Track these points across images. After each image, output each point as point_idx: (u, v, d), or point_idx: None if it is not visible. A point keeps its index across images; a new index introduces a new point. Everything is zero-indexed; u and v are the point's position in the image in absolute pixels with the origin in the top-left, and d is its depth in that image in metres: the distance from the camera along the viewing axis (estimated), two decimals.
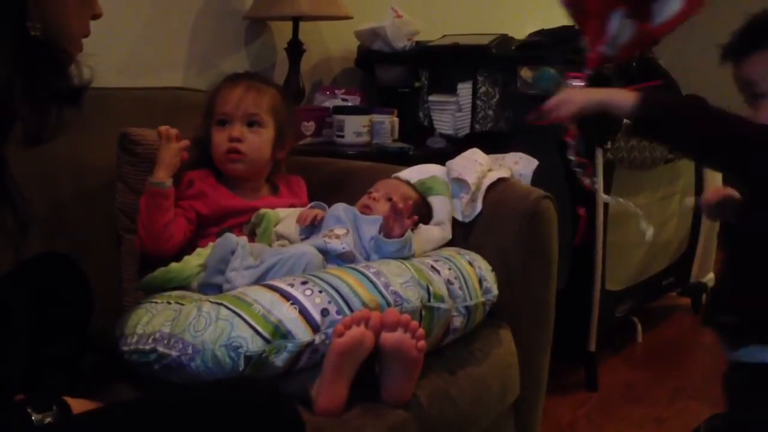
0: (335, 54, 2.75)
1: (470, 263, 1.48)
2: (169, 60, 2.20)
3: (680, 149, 1.33)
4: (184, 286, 1.42)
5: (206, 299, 1.26)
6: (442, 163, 1.78)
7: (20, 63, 0.94)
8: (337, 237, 1.45)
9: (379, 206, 1.57)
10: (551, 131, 1.33)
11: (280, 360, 1.17)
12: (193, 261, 1.45)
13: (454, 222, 1.66)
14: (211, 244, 1.48)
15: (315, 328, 1.19)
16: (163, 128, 1.57)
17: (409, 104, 2.60)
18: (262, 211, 1.60)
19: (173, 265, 1.45)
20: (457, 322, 1.40)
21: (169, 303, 1.34)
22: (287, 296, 1.21)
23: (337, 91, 2.57)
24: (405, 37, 2.58)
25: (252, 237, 1.57)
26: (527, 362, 1.59)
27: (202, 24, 2.26)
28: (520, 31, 2.57)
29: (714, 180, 2.70)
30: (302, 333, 1.18)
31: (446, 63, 2.55)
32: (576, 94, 1.29)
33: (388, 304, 1.26)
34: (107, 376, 1.31)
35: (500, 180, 1.68)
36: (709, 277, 2.99)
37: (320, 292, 1.22)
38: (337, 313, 1.21)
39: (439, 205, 1.66)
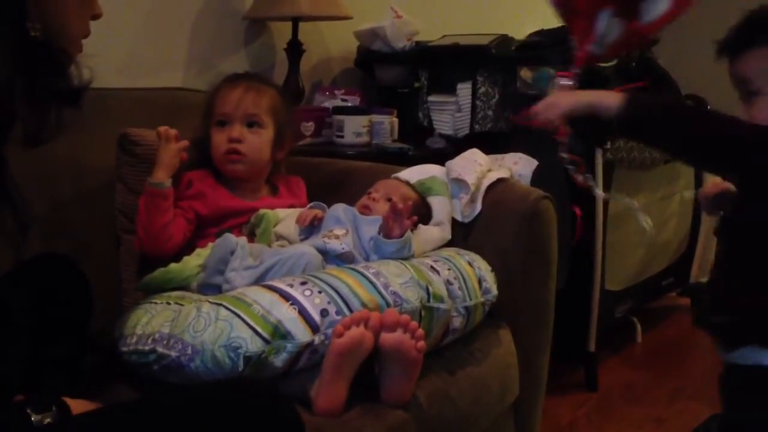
0: (335, 54, 2.75)
1: (470, 263, 1.48)
2: (169, 60, 2.20)
3: (669, 151, 1.33)
4: (183, 287, 1.42)
5: (206, 300, 1.26)
6: (442, 163, 1.78)
7: (20, 63, 0.94)
8: (337, 237, 1.45)
9: (378, 206, 1.57)
10: (551, 131, 1.33)
11: (279, 360, 1.17)
12: (193, 261, 1.45)
13: (454, 222, 1.66)
14: (210, 244, 1.48)
15: (314, 328, 1.19)
16: (162, 129, 1.57)
17: (409, 104, 2.60)
18: (262, 211, 1.60)
19: (172, 265, 1.45)
20: (457, 322, 1.40)
21: (169, 303, 1.34)
22: (287, 297, 1.21)
23: (336, 92, 2.57)
24: (404, 38, 2.58)
25: (251, 237, 1.57)
26: (527, 362, 1.59)
27: (201, 24, 2.26)
28: (520, 31, 2.57)
29: (714, 176, 2.70)
30: (302, 333, 1.18)
31: (446, 63, 2.55)
32: (564, 97, 1.28)
33: (388, 305, 1.26)
34: (107, 376, 1.31)
35: (500, 180, 1.68)
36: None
37: (320, 292, 1.22)
38: (337, 313, 1.21)
39: (439, 205, 1.66)
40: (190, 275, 1.43)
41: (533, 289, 1.61)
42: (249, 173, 1.66)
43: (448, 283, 1.39)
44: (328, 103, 2.50)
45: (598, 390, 2.41)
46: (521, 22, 3.03)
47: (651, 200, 2.63)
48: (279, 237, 1.56)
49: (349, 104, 2.52)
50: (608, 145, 2.24)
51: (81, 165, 1.61)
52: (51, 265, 1.28)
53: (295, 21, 2.38)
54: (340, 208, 1.54)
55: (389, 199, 1.57)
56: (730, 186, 1.29)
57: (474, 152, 1.75)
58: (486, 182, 1.67)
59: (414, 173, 1.75)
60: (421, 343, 1.21)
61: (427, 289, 1.33)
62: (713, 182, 1.36)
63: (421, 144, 2.47)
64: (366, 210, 1.57)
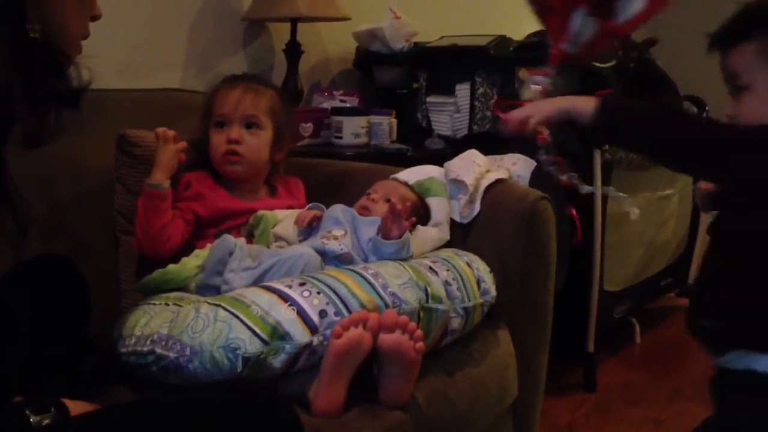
0: (333, 55, 2.75)
1: (468, 264, 1.48)
2: (168, 61, 2.20)
3: (650, 154, 1.28)
4: (182, 288, 1.42)
5: (204, 301, 1.26)
6: (441, 164, 1.78)
7: (19, 64, 0.94)
8: (335, 238, 1.45)
9: (378, 207, 1.57)
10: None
11: (278, 361, 1.17)
12: (191, 262, 1.45)
13: (452, 223, 1.66)
14: (208, 245, 1.48)
15: (313, 329, 1.19)
16: (160, 130, 1.57)
17: (408, 105, 2.61)
18: (260, 212, 1.60)
19: (171, 266, 1.45)
20: (455, 323, 1.40)
21: (167, 304, 1.34)
22: (285, 297, 1.21)
23: (335, 93, 2.57)
24: (403, 38, 2.58)
25: (250, 238, 1.57)
26: (525, 363, 1.59)
27: (200, 25, 2.26)
28: (519, 32, 2.57)
29: None
30: (300, 334, 1.18)
31: (444, 64, 2.55)
32: (542, 104, 1.27)
33: (386, 306, 1.26)
34: (105, 377, 1.31)
35: (498, 181, 1.68)
36: None
37: (318, 293, 1.22)
38: (335, 314, 1.21)
39: (437, 206, 1.66)
40: (188, 276, 1.43)
41: (532, 290, 1.61)
42: (247, 174, 1.66)
43: (446, 283, 1.39)
44: (327, 104, 2.50)
45: (596, 390, 2.41)
46: (519, 22, 3.02)
47: (649, 200, 2.64)
48: (277, 238, 1.56)
49: (348, 105, 2.52)
50: (606, 146, 2.24)
51: (80, 166, 1.61)
52: (50, 266, 1.28)
53: (294, 22, 2.38)
54: (338, 209, 1.54)
55: (388, 200, 1.57)
56: None
57: (472, 153, 1.75)
58: (484, 183, 1.67)
59: (412, 174, 1.76)
60: (420, 344, 1.21)
61: (426, 290, 1.33)
62: None
63: (420, 145, 2.47)
64: (365, 211, 1.57)
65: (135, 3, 2.07)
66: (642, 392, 2.44)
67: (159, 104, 1.82)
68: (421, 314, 1.31)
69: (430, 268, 1.40)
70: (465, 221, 1.65)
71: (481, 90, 2.45)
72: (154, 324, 1.26)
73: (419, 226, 1.58)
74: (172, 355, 1.19)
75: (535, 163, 1.77)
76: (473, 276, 1.46)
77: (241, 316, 1.18)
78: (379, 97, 2.70)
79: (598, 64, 2.28)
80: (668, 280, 2.89)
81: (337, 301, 1.22)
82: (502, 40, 2.49)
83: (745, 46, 1.14)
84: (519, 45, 2.47)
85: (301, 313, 1.19)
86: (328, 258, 1.42)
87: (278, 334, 1.17)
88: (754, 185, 1.12)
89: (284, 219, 1.60)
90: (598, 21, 1.26)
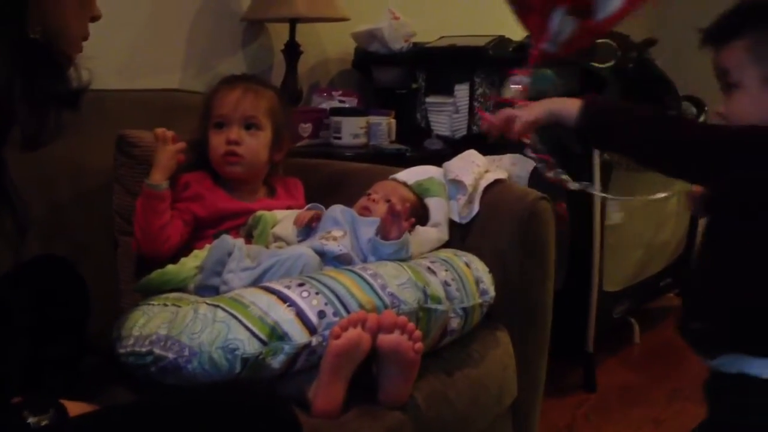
0: (332, 56, 2.75)
1: (467, 264, 1.48)
2: (167, 62, 2.20)
3: (637, 156, 1.25)
4: (180, 288, 1.42)
5: (203, 301, 1.26)
6: (439, 164, 1.78)
7: (20, 65, 0.94)
8: (335, 239, 1.45)
9: (378, 208, 1.57)
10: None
11: (276, 362, 1.17)
12: (190, 263, 1.45)
13: (451, 223, 1.66)
14: (207, 246, 1.48)
15: (312, 329, 1.19)
16: (159, 130, 1.57)
17: (407, 106, 2.60)
18: (259, 213, 1.60)
19: (170, 267, 1.45)
20: (454, 323, 1.40)
21: (166, 305, 1.34)
22: (284, 298, 1.21)
23: (334, 93, 2.57)
24: (402, 39, 2.58)
25: (249, 239, 1.57)
26: (525, 364, 1.59)
27: (199, 25, 2.26)
28: (517, 32, 2.57)
29: None
30: (299, 335, 1.18)
31: (443, 64, 2.55)
32: (530, 108, 1.26)
33: (385, 306, 1.26)
34: (104, 378, 1.31)
35: (497, 181, 1.68)
36: None
37: (317, 293, 1.22)
38: (334, 314, 1.21)
39: (436, 206, 1.66)
40: (187, 277, 1.43)
41: (531, 290, 1.61)
42: (247, 175, 1.66)
43: (445, 284, 1.39)
44: (326, 105, 2.50)
45: (596, 391, 2.41)
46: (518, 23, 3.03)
47: (648, 201, 2.63)
48: (277, 238, 1.56)
49: (347, 105, 2.52)
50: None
51: (79, 167, 1.61)
52: (49, 266, 1.28)
53: (293, 22, 2.38)
54: (337, 210, 1.54)
55: (388, 201, 1.57)
56: None
57: (471, 153, 1.75)
58: (483, 183, 1.67)
59: (411, 174, 1.76)
60: (419, 345, 1.21)
61: (425, 290, 1.33)
62: None
63: (419, 145, 2.47)
64: (366, 211, 1.57)
65: (135, 3, 2.07)
66: (641, 392, 2.44)
67: (158, 105, 1.82)
68: (420, 315, 1.31)
69: (429, 268, 1.40)
70: (464, 221, 1.65)
71: (480, 90, 2.45)
72: (153, 324, 1.26)
73: (418, 227, 1.58)
74: (170, 355, 1.19)
75: (534, 164, 1.77)
76: (472, 276, 1.46)
77: (240, 316, 1.18)
78: (378, 97, 2.70)
79: (597, 65, 2.28)
80: (667, 280, 2.89)
81: (336, 302, 1.22)
82: (501, 41, 2.49)
83: (736, 42, 1.12)
84: (518, 45, 2.46)
85: (300, 314, 1.19)
86: (327, 258, 1.42)
87: (277, 334, 1.17)
88: (743, 186, 1.11)
89: (283, 219, 1.59)
90: (578, 20, 1.26)
